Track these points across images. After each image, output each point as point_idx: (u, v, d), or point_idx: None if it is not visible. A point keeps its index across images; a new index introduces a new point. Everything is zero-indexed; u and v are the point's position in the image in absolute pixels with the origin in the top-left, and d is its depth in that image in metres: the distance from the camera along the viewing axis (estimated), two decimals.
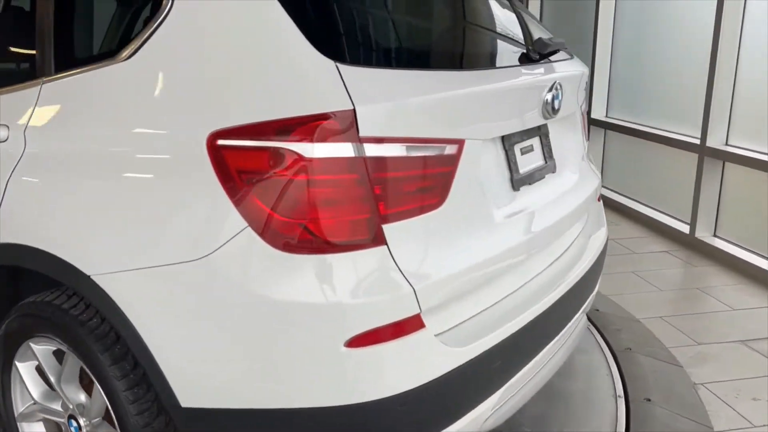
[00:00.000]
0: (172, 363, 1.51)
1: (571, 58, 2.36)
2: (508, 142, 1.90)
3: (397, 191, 1.50)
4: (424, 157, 1.55)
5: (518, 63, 2.01)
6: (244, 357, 1.45)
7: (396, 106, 1.49)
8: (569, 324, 2.14)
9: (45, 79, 1.76)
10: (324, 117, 1.36)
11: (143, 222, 1.51)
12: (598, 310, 3.61)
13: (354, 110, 1.38)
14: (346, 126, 1.38)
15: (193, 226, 1.43)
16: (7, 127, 1.82)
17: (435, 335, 1.56)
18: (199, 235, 1.42)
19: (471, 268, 1.67)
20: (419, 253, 1.54)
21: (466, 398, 1.66)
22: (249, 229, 1.38)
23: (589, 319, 3.16)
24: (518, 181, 1.93)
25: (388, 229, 1.47)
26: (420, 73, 1.63)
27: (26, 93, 1.80)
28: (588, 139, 2.57)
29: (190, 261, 1.43)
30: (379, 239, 1.46)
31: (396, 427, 1.52)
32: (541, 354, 1.94)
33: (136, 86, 1.55)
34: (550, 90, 1.98)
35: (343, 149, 1.39)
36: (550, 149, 2.14)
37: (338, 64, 1.41)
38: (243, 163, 1.39)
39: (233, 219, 1.38)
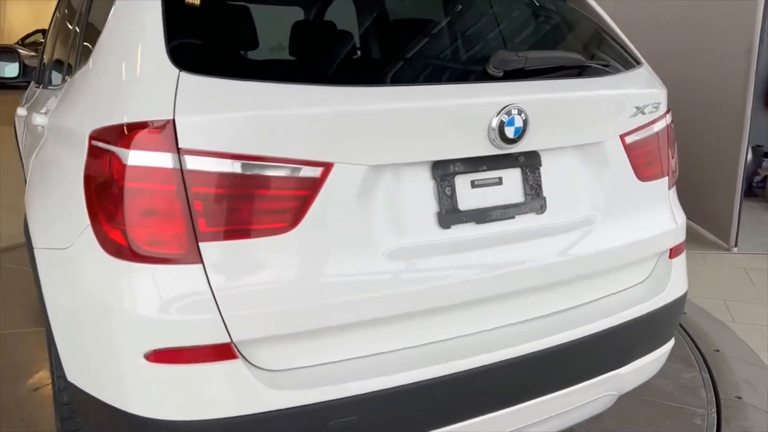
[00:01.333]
0: (57, 339, 1.67)
1: (598, 75, 1.93)
2: (442, 170, 1.64)
3: (224, 209, 1.40)
4: (267, 177, 1.42)
5: (463, 80, 1.74)
6: (78, 349, 1.58)
7: (230, 120, 1.39)
8: (550, 398, 1.79)
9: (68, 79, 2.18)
10: (143, 125, 1.36)
11: (51, 209, 1.76)
12: (686, 313, 3.44)
13: (173, 120, 1.35)
14: (164, 136, 1.35)
15: (71, 217, 1.53)
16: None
17: (254, 370, 1.45)
18: (71, 226, 1.53)
19: (324, 307, 1.49)
20: (246, 279, 1.43)
21: None
22: (89, 228, 1.44)
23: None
24: (451, 218, 1.65)
25: (207, 247, 1.39)
26: (289, 86, 1.47)
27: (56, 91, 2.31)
28: (670, 176, 2.06)
29: (60, 249, 1.59)
30: (193, 257, 1.38)
31: None
32: (471, 422, 1.66)
33: (77, 85, 1.85)
34: (499, 114, 1.60)
35: (159, 159, 1.35)
36: (539, 185, 1.77)
37: (183, 73, 1.38)
38: (91, 163, 1.45)
39: (83, 217, 1.46)
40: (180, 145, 1.36)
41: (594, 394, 1.94)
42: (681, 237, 2.13)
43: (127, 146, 1.37)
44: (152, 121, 1.36)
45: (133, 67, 1.44)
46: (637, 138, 1.94)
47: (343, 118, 1.49)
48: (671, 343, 2.15)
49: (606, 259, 1.91)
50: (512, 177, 1.75)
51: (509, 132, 1.62)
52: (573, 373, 1.86)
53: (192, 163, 1.37)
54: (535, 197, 1.78)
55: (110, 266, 1.42)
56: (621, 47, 2.11)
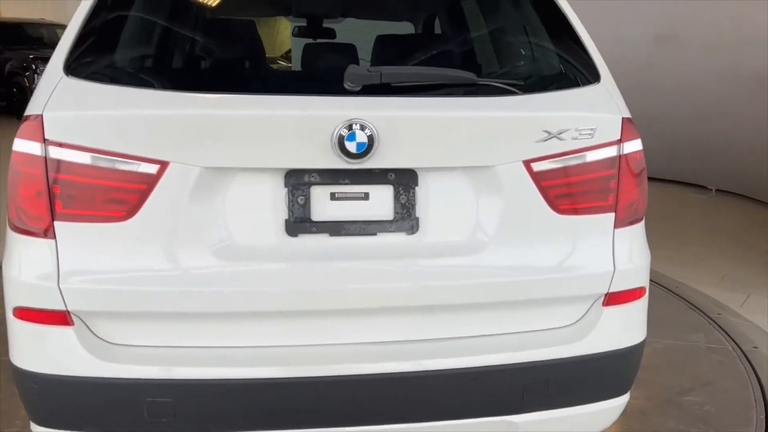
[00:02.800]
0: None
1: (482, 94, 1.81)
2: (296, 179, 1.68)
3: (76, 195, 1.61)
4: (113, 170, 1.60)
5: (318, 93, 1.71)
6: None
7: (84, 118, 1.61)
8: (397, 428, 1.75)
9: None
10: (27, 118, 1.64)
11: None
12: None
13: (42, 115, 1.60)
14: (35, 128, 1.60)
15: None
16: None
17: (88, 338, 1.65)
18: None
19: (148, 294, 1.64)
20: (88, 257, 1.63)
21: (106, 416, 1.68)
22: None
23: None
24: (299, 227, 1.69)
25: (60, 226, 1.61)
26: (141, 91, 1.67)
27: None
28: (620, 212, 1.85)
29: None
30: (49, 233, 1.62)
31: (31, 403, 1.72)
32: None
33: None
34: (338, 128, 1.60)
35: (30, 147, 1.60)
36: (412, 204, 1.73)
37: (65, 77, 1.66)
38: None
39: None
40: (46, 137, 1.62)
41: None
42: (624, 284, 1.87)
43: (18, 135, 1.67)
44: (30, 115, 1.65)
45: (48, 72, 1.75)
46: (551, 166, 1.77)
47: (178, 121, 1.63)
48: (596, 407, 1.88)
49: (495, 292, 1.77)
50: (381, 194, 1.73)
51: (351, 146, 1.62)
52: (446, 406, 1.76)
53: (53, 152, 1.61)
54: (406, 216, 1.74)
55: (7, 235, 1.73)
56: (576, 64, 1.94)
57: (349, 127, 1.61)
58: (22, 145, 1.64)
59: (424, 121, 1.71)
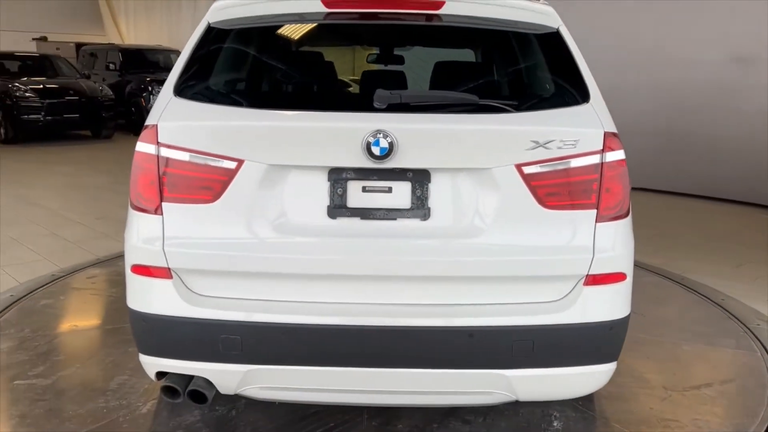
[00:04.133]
0: None
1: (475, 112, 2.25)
2: (336, 175, 2.21)
3: (178, 183, 2.21)
4: (204, 165, 2.20)
5: (351, 110, 2.27)
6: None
7: (185, 127, 2.23)
8: (421, 372, 2.25)
9: None
10: (146, 127, 2.25)
11: None
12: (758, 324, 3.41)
13: (157, 125, 2.22)
14: (152, 134, 2.22)
15: None
16: None
17: (183, 290, 2.24)
18: None
19: (225, 257, 2.21)
20: (184, 229, 2.23)
21: (193, 347, 2.25)
22: None
23: None
24: (338, 212, 2.21)
25: (167, 206, 2.22)
26: (224, 108, 2.32)
27: None
28: (601, 209, 2.26)
29: None
30: (158, 211, 2.23)
31: (140, 336, 2.35)
32: (337, 371, 2.23)
33: None
34: (366, 136, 2.12)
35: (148, 148, 2.23)
36: (426, 197, 2.22)
37: (174, 97, 2.30)
38: None
39: None
40: (159, 140, 2.24)
41: (475, 385, 2.26)
42: (603, 268, 2.27)
43: (139, 140, 2.30)
44: (149, 125, 2.28)
45: (162, 93, 2.39)
46: (539, 170, 2.22)
47: (250, 130, 2.23)
48: (581, 371, 2.30)
49: (490, 268, 2.24)
50: (401, 188, 2.25)
51: (375, 150, 2.15)
52: (449, 357, 2.24)
53: (163, 152, 2.24)
54: (420, 206, 2.24)
55: (128, 213, 2.36)
56: (570, 89, 2.38)
57: (375, 135, 2.14)
58: (142, 146, 2.27)
59: (435, 132, 2.21)
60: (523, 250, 2.24)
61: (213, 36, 2.49)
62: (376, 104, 2.19)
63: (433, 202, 2.26)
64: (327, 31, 3.14)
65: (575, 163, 2.25)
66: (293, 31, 2.74)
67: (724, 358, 3.65)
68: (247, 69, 2.70)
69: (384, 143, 2.14)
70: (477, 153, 2.23)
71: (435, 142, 2.21)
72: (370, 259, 2.22)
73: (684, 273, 5.28)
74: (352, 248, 2.23)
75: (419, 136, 2.20)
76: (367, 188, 2.25)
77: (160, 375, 2.35)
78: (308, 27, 2.77)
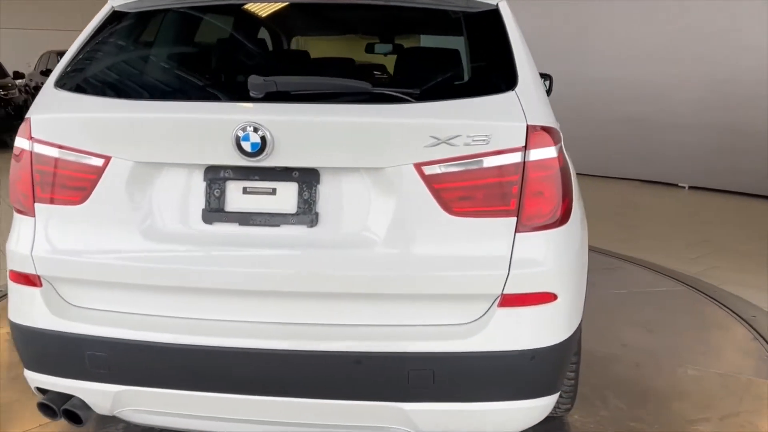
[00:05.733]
0: None
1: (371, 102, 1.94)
2: (213, 174, 1.94)
3: (48, 182, 2.00)
4: (72, 162, 1.97)
5: (227, 100, 2.03)
6: None
7: (54, 119, 2.01)
8: (297, 402, 1.94)
9: None
10: (24, 120, 2.05)
11: None
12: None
13: (30, 118, 2.02)
14: (26, 128, 2.02)
15: None
16: None
17: (52, 298, 2.02)
18: None
19: (89, 265, 1.98)
20: (53, 233, 2.01)
21: (63, 363, 2.03)
22: None
23: None
24: (214, 216, 1.94)
25: (39, 207, 2.02)
26: (103, 99, 2.04)
27: None
28: (523, 217, 1.90)
29: None
30: (31, 212, 2.04)
31: (18, 349, 2.13)
32: (204, 395, 1.95)
33: None
34: (239, 130, 1.82)
35: (23, 143, 2.03)
36: (313, 200, 1.92)
37: (53, 88, 2.08)
38: None
39: None
40: (32, 135, 2.04)
41: (367, 419, 1.95)
42: (522, 287, 1.91)
43: (17, 134, 2.11)
44: (26, 118, 2.08)
45: (44, 86, 2.17)
46: (443, 170, 1.88)
47: (117, 123, 1.98)
48: (498, 407, 1.95)
49: (384, 284, 1.91)
50: (287, 190, 1.95)
51: (246, 146, 1.85)
52: (334, 386, 1.93)
53: (36, 147, 2.03)
54: (307, 211, 1.94)
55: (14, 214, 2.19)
56: (494, 75, 2.04)
57: (244, 129, 1.84)
58: (17, 141, 2.08)
59: (317, 125, 1.90)
60: (424, 264, 1.91)
61: (112, 20, 2.27)
62: (252, 93, 1.88)
63: (322, 206, 1.94)
64: (238, 15, 2.84)
65: (488, 162, 1.89)
66: (199, 15, 2.49)
67: (733, 388, 3.16)
68: (143, 57, 2.46)
69: (255, 138, 1.84)
70: (369, 150, 1.91)
71: (320, 138, 1.89)
72: (246, 272, 1.94)
73: (723, 284, 4.73)
74: (226, 259, 1.94)
75: (299, 129, 1.90)
76: (248, 189, 1.96)
77: (43, 392, 2.16)
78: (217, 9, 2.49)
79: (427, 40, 3.21)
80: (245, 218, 1.96)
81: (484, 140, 1.87)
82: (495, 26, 2.13)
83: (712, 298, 4.34)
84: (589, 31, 9.29)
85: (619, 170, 9.39)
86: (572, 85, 9.37)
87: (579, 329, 2.20)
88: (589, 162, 9.55)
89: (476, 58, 2.16)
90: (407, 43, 3.76)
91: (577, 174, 2.21)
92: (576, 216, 2.10)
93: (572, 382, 2.54)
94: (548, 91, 4.64)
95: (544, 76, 4.60)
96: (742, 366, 3.34)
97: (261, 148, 1.85)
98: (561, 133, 2.10)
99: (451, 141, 1.86)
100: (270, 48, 2.86)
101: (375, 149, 1.90)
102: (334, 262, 1.92)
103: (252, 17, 2.88)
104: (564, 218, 1.99)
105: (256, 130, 1.85)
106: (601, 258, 5.27)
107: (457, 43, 2.42)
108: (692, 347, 3.55)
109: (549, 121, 1.98)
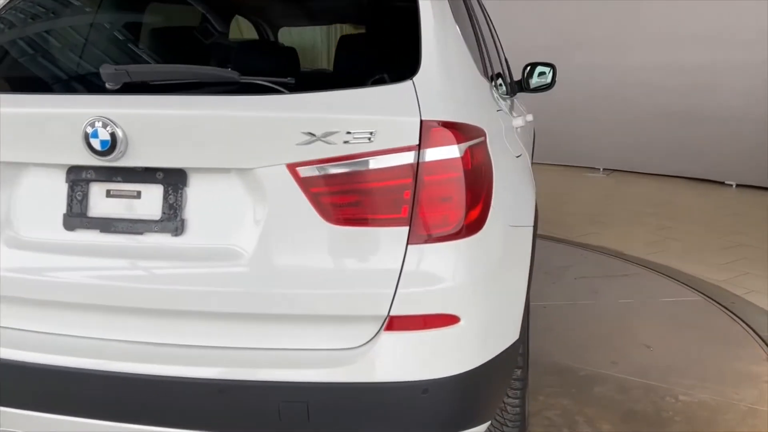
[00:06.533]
0: None
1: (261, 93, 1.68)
2: (75, 175, 1.74)
3: None
4: None
5: (81, 92, 1.78)
6: None
7: None
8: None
9: None
10: None
11: None
12: None
13: None
14: None
15: None
16: None
17: None
18: None
19: None
20: None
21: None
22: None
23: None
24: (75, 222, 1.74)
25: None
26: None
27: None
28: (418, 227, 1.62)
29: None
30: None
31: None
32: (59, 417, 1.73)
33: None
34: (87, 126, 1.61)
35: None
36: (179, 205, 1.70)
37: None
38: None
39: None
40: None
41: None
42: (414, 308, 1.64)
43: None
44: None
45: None
46: (321, 172, 1.63)
47: None
48: None
49: (251, 303, 1.67)
50: (152, 193, 1.73)
51: (95, 143, 1.64)
52: (196, 416, 1.70)
53: None
54: (172, 217, 1.71)
55: None
56: (391, 61, 1.77)
57: (93, 125, 1.63)
58: None
59: (177, 119, 1.67)
60: (299, 281, 1.65)
61: None
62: (108, 85, 1.67)
63: (189, 212, 1.71)
64: None
65: (374, 163, 1.62)
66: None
67: (730, 418, 2.77)
68: (28, 44, 2.27)
69: (104, 134, 1.63)
70: (236, 149, 1.66)
71: (180, 134, 1.67)
72: (103, 284, 1.73)
73: (748, 294, 4.28)
74: (83, 270, 1.76)
75: (154, 124, 1.67)
76: (112, 192, 1.75)
77: None
78: None
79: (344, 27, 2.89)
80: (107, 224, 1.75)
81: (367, 138, 1.60)
82: (404, 5, 1.86)
83: (729, 311, 3.91)
84: (625, 12, 8.71)
85: (658, 166, 8.84)
86: (607, 75, 8.87)
87: (512, 352, 1.93)
88: (625, 157, 9.06)
89: (375, 42, 1.89)
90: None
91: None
92: (497, 224, 1.80)
93: (517, 410, 2.24)
94: (550, 84, 4.27)
95: (545, 66, 4.26)
96: (744, 392, 2.93)
97: (112, 145, 1.64)
98: (481, 129, 1.80)
99: (328, 138, 1.60)
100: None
101: (242, 147, 1.66)
102: (199, 277, 1.69)
103: None
104: (473, 228, 1.70)
105: (105, 125, 1.63)
106: (615, 263, 4.89)
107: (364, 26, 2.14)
108: (691, 368, 3.16)
109: (455, 115, 1.70)
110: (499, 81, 3.47)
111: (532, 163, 5.24)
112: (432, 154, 1.63)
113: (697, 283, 4.44)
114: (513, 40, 8.86)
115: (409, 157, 1.62)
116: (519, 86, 4.30)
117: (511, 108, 3.49)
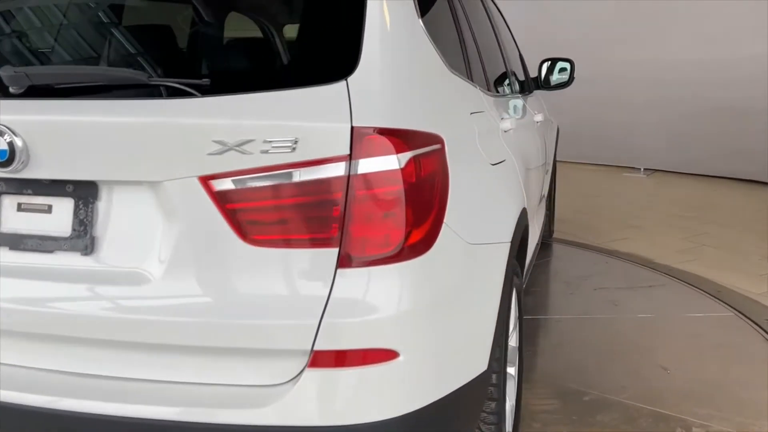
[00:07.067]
0: None
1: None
2: None
3: None
4: None
5: None
6: None
7: None
8: None
9: None
10: None
11: None
12: None
13: None
14: None
15: None
16: None
17: None
18: None
19: None
20: None
21: None
22: None
23: None
24: None
25: None
26: None
27: None
28: (348, 248, 1.43)
29: None
30: None
31: None
32: None
33: None
34: None
35: None
36: (90, 221, 1.53)
37: None
38: None
39: None
40: None
41: None
42: (343, 342, 1.44)
43: None
44: None
45: None
46: (237, 185, 1.43)
47: None
48: None
49: (159, 332, 1.49)
50: (63, 207, 1.57)
51: None
52: None
53: None
54: (82, 234, 1.55)
55: None
56: (324, 58, 1.57)
57: None
58: None
59: (78, 127, 1.51)
60: (209, 309, 1.47)
61: None
62: (11, 89, 1.51)
63: (100, 229, 1.55)
64: None
65: (298, 176, 1.42)
66: None
67: None
68: None
69: (1, 143, 1.48)
70: (144, 159, 1.49)
71: (88, 142, 1.51)
72: (8, 308, 1.56)
73: None
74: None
75: (55, 132, 1.52)
76: (23, 206, 1.61)
77: None
78: None
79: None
80: (17, 241, 1.60)
81: (288, 147, 1.41)
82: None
83: (762, 329, 3.56)
84: (666, 4, 8.24)
85: (703, 166, 8.36)
86: (648, 69, 8.44)
87: (477, 385, 1.73)
88: (667, 156, 8.60)
89: (309, 35, 1.68)
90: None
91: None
92: (452, 243, 1.58)
93: None
94: (568, 81, 3.99)
95: (564, 61, 3.99)
96: (766, 425, 2.62)
97: (10, 156, 1.49)
98: (435, 136, 1.58)
99: (243, 147, 1.41)
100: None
101: (151, 158, 1.48)
102: (104, 302, 1.53)
103: None
104: (418, 248, 1.48)
105: (2, 134, 1.48)
106: (641, 273, 4.57)
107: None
108: (710, 395, 2.86)
109: (397, 120, 1.48)
110: (506, 81, 3.23)
111: (554, 163, 4.99)
112: (366, 166, 1.42)
113: (730, 296, 4.08)
114: (548, 36, 8.58)
115: (338, 169, 1.42)
116: (536, 84, 4.06)
117: (520, 108, 3.24)
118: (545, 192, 4.30)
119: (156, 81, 1.53)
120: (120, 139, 1.49)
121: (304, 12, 1.77)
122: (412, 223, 1.47)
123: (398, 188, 1.44)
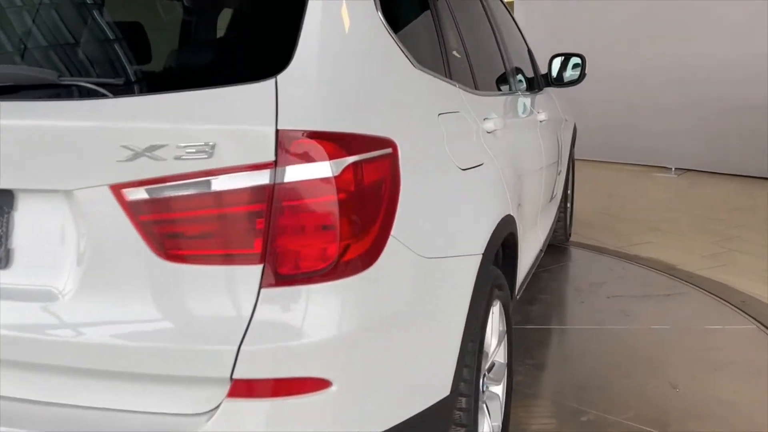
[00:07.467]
0: None
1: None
2: None
3: None
4: None
5: None
6: None
7: None
8: None
9: None
10: None
11: None
12: None
13: None
14: None
15: None
16: None
17: None
18: None
19: None
20: None
21: None
22: None
23: None
24: None
25: None
26: None
27: None
28: (274, 266, 1.30)
29: None
30: None
31: None
32: None
33: None
34: None
35: None
36: (6, 233, 1.42)
37: None
38: None
39: None
40: None
41: None
42: (266, 370, 1.30)
43: None
44: None
45: None
46: (151, 195, 1.31)
47: None
48: None
49: (62, 353, 1.38)
50: None
51: None
52: None
53: None
54: None
55: None
56: (253, 54, 1.43)
57: None
58: None
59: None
60: (119, 331, 1.35)
61: None
62: None
63: (16, 241, 1.43)
64: None
65: (216, 184, 1.29)
66: None
67: None
68: None
69: None
70: (54, 166, 1.37)
71: (3, 147, 1.38)
72: None
73: None
74: None
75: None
76: None
77: None
78: None
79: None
80: None
81: (204, 153, 1.27)
82: None
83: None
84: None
85: (738, 166, 7.99)
86: (681, 65, 8.12)
87: (437, 412, 1.61)
88: (700, 155, 8.24)
89: (241, 28, 1.54)
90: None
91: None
92: (402, 258, 1.43)
93: None
94: (579, 77, 3.80)
95: (576, 56, 3.79)
96: None
97: None
98: (385, 140, 1.43)
99: (154, 153, 1.28)
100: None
101: (61, 164, 1.36)
102: (16, 320, 1.41)
103: None
104: (356, 264, 1.34)
105: None
106: (660, 280, 4.33)
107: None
108: (720, 417, 2.64)
109: (334, 123, 1.34)
110: (504, 79, 3.05)
111: (571, 163, 4.77)
112: (293, 174, 1.28)
113: (754, 307, 3.82)
114: (576, 32, 8.32)
115: (262, 177, 1.28)
116: (546, 81, 3.87)
117: (517, 106, 3.06)
118: (557, 193, 4.10)
119: (67, 81, 1.41)
120: (30, 144, 1.38)
121: (235, 1, 1.63)
122: (350, 237, 1.32)
123: (331, 198, 1.30)
